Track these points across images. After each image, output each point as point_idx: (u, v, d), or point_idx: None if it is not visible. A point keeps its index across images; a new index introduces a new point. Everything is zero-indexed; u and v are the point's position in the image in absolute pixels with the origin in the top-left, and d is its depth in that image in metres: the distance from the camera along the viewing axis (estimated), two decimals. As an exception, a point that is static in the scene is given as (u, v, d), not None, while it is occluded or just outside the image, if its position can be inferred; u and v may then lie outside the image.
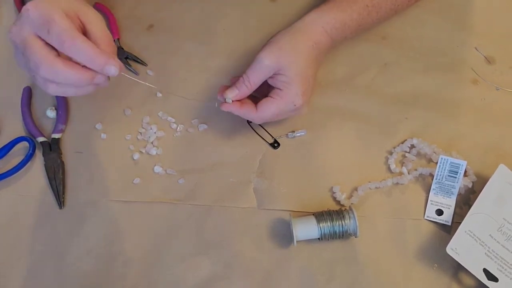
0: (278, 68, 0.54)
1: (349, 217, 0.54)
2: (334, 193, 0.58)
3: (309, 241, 0.55)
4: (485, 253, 0.52)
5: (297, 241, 0.53)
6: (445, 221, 0.57)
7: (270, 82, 0.56)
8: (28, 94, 0.63)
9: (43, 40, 0.45)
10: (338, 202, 0.58)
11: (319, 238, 0.54)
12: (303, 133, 0.61)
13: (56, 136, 0.60)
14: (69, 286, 0.54)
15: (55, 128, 0.61)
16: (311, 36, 0.56)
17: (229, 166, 0.60)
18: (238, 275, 0.54)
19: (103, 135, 0.61)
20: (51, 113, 0.62)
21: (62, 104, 0.62)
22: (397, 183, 0.59)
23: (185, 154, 0.61)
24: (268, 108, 0.55)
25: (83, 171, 0.59)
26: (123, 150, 0.60)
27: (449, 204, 0.57)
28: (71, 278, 0.54)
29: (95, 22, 0.48)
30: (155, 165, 0.59)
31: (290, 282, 0.54)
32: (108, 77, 0.47)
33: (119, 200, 0.58)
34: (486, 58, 0.66)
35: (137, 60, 0.66)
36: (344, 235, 0.54)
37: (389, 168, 0.60)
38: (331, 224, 0.53)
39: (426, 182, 0.59)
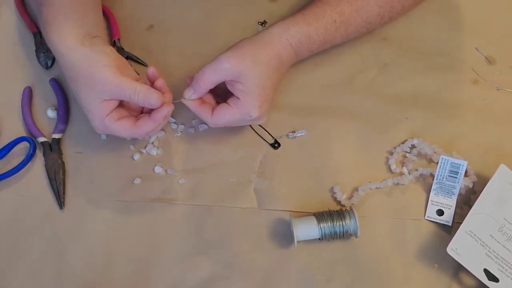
0: (237, 75, 0.53)
1: (350, 217, 0.54)
2: (335, 193, 0.58)
3: (309, 241, 0.55)
4: (486, 254, 0.52)
5: (297, 241, 0.53)
6: (446, 221, 0.57)
7: (229, 88, 0.55)
8: (29, 95, 0.63)
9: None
10: (338, 202, 0.58)
11: (319, 238, 0.54)
12: (303, 133, 0.61)
13: (56, 136, 0.60)
14: (69, 286, 0.54)
15: (55, 128, 0.61)
16: (275, 48, 0.55)
17: (230, 166, 0.60)
18: (238, 275, 0.54)
19: (104, 136, 0.61)
20: (52, 113, 0.62)
21: (62, 104, 0.62)
22: (398, 183, 0.59)
23: (186, 154, 0.61)
24: (223, 115, 0.55)
25: (84, 171, 0.59)
26: (124, 150, 0.60)
27: (449, 205, 0.57)
28: (71, 278, 0.54)
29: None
30: (155, 165, 0.59)
31: (290, 282, 0.54)
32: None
33: (119, 200, 0.58)
34: (486, 58, 0.66)
35: (137, 60, 0.66)
36: (344, 235, 0.54)
37: (389, 168, 0.60)
38: (332, 224, 0.53)
39: (426, 182, 0.59)
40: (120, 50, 0.66)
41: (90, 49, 0.53)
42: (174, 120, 0.62)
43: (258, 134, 0.62)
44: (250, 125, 0.62)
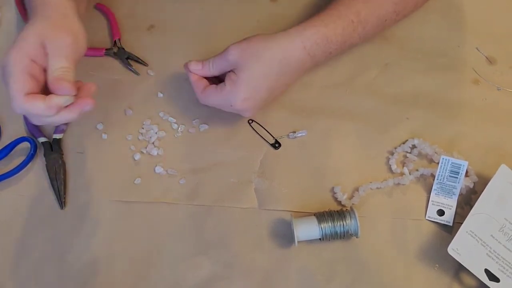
0: (236, 65, 0.55)
1: (350, 217, 0.54)
2: (335, 193, 0.58)
3: (310, 241, 0.55)
4: (487, 254, 0.52)
5: (298, 242, 0.53)
6: (446, 221, 0.57)
7: (226, 74, 0.57)
8: (29, 95, 0.63)
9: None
10: (339, 203, 0.58)
11: (320, 239, 0.54)
12: (304, 134, 0.61)
13: (57, 136, 0.61)
14: (69, 286, 0.54)
15: (56, 128, 0.61)
16: (284, 50, 0.55)
17: (230, 166, 0.60)
18: (238, 275, 0.54)
19: (104, 136, 0.61)
20: (52, 113, 0.62)
21: (63, 104, 0.62)
22: (398, 184, 0.59)
23: (186, 154, 0.61)
24: (209, 95, 0.57)
25: (84, 172, 0.59)
26: (124, 150, 0.60)
27: (450, 205, 0.57)
28: (71, 278, 0.54)
29: (55, 53, 0.49)
30: (156, 166, 0.59)
31: (290, 282, 0.54)
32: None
33: (120, 200, 0.58)
34: (487, 58, 0.66)
35: (138, 60, 0.66)
36: (345, 236, 0.54)
37: (390, 169, 0.60)
38: (332, 224, 0.53)
39: (427, 183, 0.59)
40: (121, 50, 0.66)
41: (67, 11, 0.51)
42: (174, 120, 0.62)
43: (259, 134, 0.62)
44: (250, 125, 0.62)
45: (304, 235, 0.54)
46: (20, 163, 0.58)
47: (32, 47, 0.48)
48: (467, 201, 0.58)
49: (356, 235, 0.54)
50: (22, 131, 0.62)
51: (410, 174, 0.59)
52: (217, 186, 0.59)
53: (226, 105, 0.56)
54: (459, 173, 0.56)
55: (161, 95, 0.64)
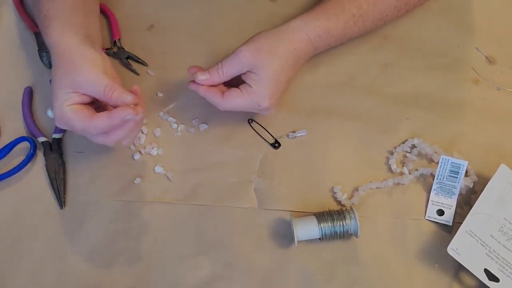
0: (253, 67, 0.55)
1: (350, 217, 0.54)
2: (335, 193, 0.58)
3: (310, 241, 0.55)
4: (486, 253, 0.52)
5: (298, 241, 0.53)
6: (446, 221, 0.57)
7: (242, 76, 0.56)
8: (29, 94, 0.63)
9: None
10: (339, 202, 0.58)
11: (320, 238, 0.54)
12: (304, 133, 0.61)
13: (57, 136, 0.61)
14: (69, 286, 0.54)
15: (56, 128, 0.61)
16: (293, 42, 0.56)
17: (230, 166, 0.60)
18: (238, 275, 0.54)
19: (103, 135, 0.61)
20: (52, 113, 0.62)
21: (63, 104, 0.62)
22: (398, 183, 0.59)
23: (186, 154, 0.61)
24: (234, 99, 0.55)
25: (84, 171, 0.59)
26: (124, 150, 0.60)
27: (450, 204, 0.57)
28: (71, 278, 0.54)
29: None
30: (155, 165, 0.59)
31: (290, 282, 0.54)
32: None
33: (119, 200, 0.58)
34: (487, 58, 0.66)
35: (138, 60, 0.66)
36: (345, 235, 0.54)
37: (390, 168, 0.60)
38: (332, 224, 0.53)
39: (427, 182, 0.59)
40: (121, 50, 0.66)
41: (86, 46, 0.53)
42: (174, 120, 0.62)
43: (259, 134, 0.62)
44: (250, 125, 0.62)
45: (304, 235, 0.54)
46: (20, 163, 0.58)
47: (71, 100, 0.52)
48: (466, 201, 0.58)
49: (356, 235, 0.54)
50: (22, 131, 0.62)
51: (410, 174, 0.59)
52: (217, 186, 0.59)
53: (253, 106, 0.56)
54: (459, 173, 0.56)
55: (161, 95, 0.64)
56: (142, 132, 0.61)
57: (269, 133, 0.62)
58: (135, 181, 0.59)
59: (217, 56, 0.66)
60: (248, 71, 0.55)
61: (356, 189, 0.58)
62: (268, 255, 0.55)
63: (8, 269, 0.55)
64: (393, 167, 0.59)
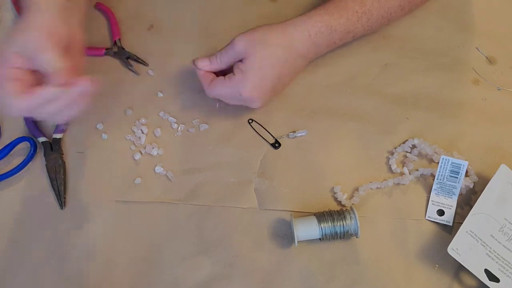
0: (243, 56, 0.55)
1: (350, 217, 0.54)
2: (335, 193, 0.58)
3: (310, 241, 0.55)
4: (486, 254, 0.52)
5: (298, 242, 0.53)
6: (446, 221, 0.57)
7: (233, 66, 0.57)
8: (29, 94, 0.63)
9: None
10: (339, 202, 0.58)
11: (320, 239, 0.54)
12: (304, 133, 0.61)
13: (57, 136, 0.61)
14: (69, 285, 0.54)
15: (56, 128, 0.61)
16: (290, 37, 0.56)
17: (230, 166, 0.60)
18: (238, 275, 0.54)
19: (104, 135, 0.61)
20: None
21: (63, 104, 0.62)
22: (398, 183, 0.59)
23: (186, 154, 0.61)
24: (216, 86, 0.57)
25: (84, 171, 0.59)
26: (124, 150, 0.60)
27: (450, 204, 0.57)
28: (72, 278, 0.54)
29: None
30: (156, 165, 0.59)
31: (290, 282, 0.54)
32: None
33: (120, 200, 0.58)
34: (487, 58, 0.66)
35: (138, 60, 0.66)
36: (345, 236, 0.54)
37: (390, 168, 0.60)
38: (332, 224, 0.53)
39: (427, 183, 0.59)
40: (121, 50, 0.66)
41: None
42: (174, 120, 0.62)
43: (259, 134, 0.62)
44: (250, 125, 0.62)
45: (304, 235, 0.54)
46: (20, 163, 0.58)
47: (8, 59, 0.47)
48: (467, 201, 0.58)
49: (356, 235, 0.54)
50: (22, 131, 0.62)
51: (410, 174, 0.59)
52: (217, 186, 0.59)
53: (235, 95, 0.56)
54: (459, 173, 0.56)
55: (161, 95, 0.64)
56: (142, 132, 0.61)
57: (269, 133, 0.62)
58: (135, 181, 0.59)
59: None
60: (239, 60, 0.56)
61: (356, 189, 0.58)
62: (268, 255, 0.55)
63: (8, 269, 0.55)
64: (393, 167, 0.59)
